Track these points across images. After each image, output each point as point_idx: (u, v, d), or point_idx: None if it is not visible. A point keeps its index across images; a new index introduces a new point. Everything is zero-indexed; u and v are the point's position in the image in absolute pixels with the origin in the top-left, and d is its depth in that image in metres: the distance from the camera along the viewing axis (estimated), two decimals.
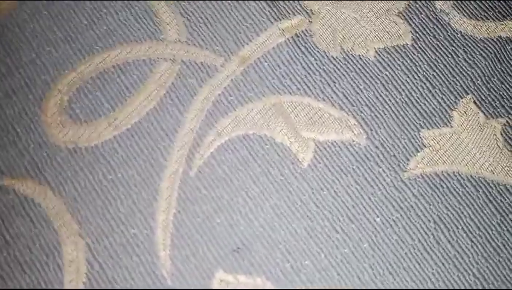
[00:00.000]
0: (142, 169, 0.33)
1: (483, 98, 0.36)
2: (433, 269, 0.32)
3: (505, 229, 0.33)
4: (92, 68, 0.35)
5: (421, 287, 0.32)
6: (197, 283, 0.31)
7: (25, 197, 0.32)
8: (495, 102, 0.36)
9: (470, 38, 0.37)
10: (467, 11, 0.38)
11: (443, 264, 0.32)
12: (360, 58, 0.36)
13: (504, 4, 0.38)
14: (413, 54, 0.36)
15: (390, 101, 0.35)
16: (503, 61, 0.37)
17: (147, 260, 0.31)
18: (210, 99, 0.34)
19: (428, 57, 0.36)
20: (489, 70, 0.36)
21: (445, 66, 0.36)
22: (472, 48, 0.37)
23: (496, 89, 0.36)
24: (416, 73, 0.36)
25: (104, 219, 0.32)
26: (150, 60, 0.35)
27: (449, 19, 0.37)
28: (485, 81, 0.36)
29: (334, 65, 0.35)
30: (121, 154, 0.33)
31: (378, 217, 0.33)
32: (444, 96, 0.36)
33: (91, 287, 0.31)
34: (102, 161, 0.33)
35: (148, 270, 0.31)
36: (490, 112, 0.36)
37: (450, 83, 0.36)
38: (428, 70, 0.36)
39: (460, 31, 0.37)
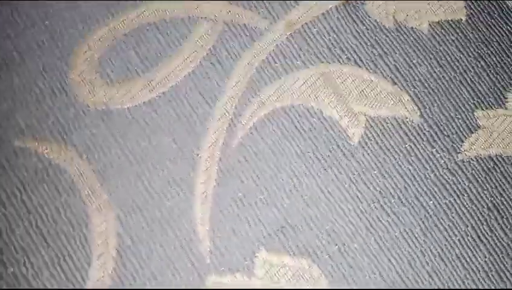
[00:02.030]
0: (180, 137, 0.29)
1: None
2: (485, 257, 0.30)
3: None
4: (126, 24, 0.31)
5: (473, 276, 0.29)
6: (237, 263, 0.28)
7: (50, 162, 0.28)
8: None
9: None
10: None
11: (496, 252, 0.30)
12: (414, 30, 0.33)
13: None
14: (468, 30, 0.33)
15: (444, 77, 0.32)
16: None
17: (184, 235, 0.28)
18: (253, 65, 0.31)
19: (482, 34, 0.33)
20: None
21: (500, 44, 0.33)
22: None
23: None
24: (470, 50, 0.33)
25: (137, 190, 0.28)
26: (189, 19, 0.31)
27: None
28: None
29: (387, 36, 0.32)
30: (156, 119, 0.30)
31: (430, 200, 0.30)
32: (498, 76, 0.33)
33: (122, 263, 0.27)
34: (136, 126, 0.29)
35: (184, 247, 0.28)
36: None
37: (504, 63, 0.33)
38: (482, 48, 0.33)
39: None
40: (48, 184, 0.28)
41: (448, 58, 0.33)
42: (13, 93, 0.29)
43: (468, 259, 0.29)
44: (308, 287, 0.28)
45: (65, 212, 0.28)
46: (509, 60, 0.33)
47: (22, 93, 0.29)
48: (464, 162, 0.31)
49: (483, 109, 0.32)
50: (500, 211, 0.30)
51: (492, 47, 0.33)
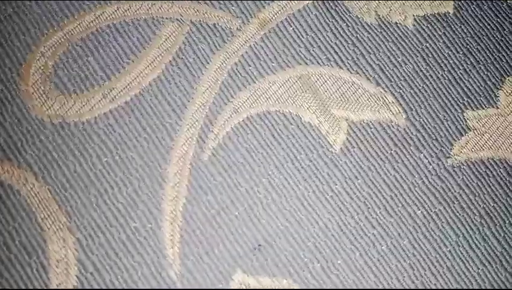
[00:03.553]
0: (145, 151, 0.28)
1: None
2: (478, 269, 0.29)
3: None
4: (83, 28, 0.29)
5: (465, 288, 0.28)
6: (212, 286, 0.26)
7: (1, 184, 0.26)
8: None
9: None
10: None
11: (489, 262, 0.29)
12: (398, 26, 0.31)
13: None
14: (456, 24, 0.32)
15: (431, 76, 0.31)
16: None
17: (152, 259, 0.26)
18: (225, 68, 0.30)
19: (471, 28, 0.32)
20: None
21: (490, 39, 0.32)
22: None
23: None
24: (459, 46, 0.32)
25: (99, 211, 0.27)
26: (152, 20, 0.30)
27: None
28: None
29: (369, 33, 0.31)
30: (118, 132, 0.28)
31: (419, 209, 0.29)
32: (489, 74, 0.32)
33: None
34: (96, 140, 0.28)
35: (153, 271, 0.26)
36: None
37: (495, 59, 0.32)
38: (471, 44, 0.32)
39: (507, 1, 0.33)
40: (0, 207, 0.26)
41: (436, 55, 0.31)
42: None
43: (460, 271, 0.28)
44: None
45: (20, 237, 0.26)
46: (500, 55, 0.32)
47: None
48: (453, 167, 0.30)
49: (473, 109, 0.31)
50: (493, 219, 0.29)
51: (482, 42, 0.32)
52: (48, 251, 0.26)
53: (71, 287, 0.26)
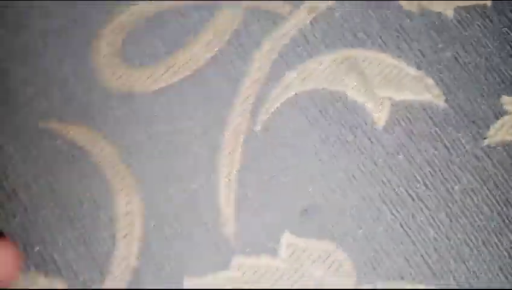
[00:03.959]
0: (203, 120, 0.31)
1: None
2: (511, 243, 0.31)
3: None
4: (148, 8, 0.32)
5: (499, 261, 0.30)
6: (262, 245, 0.29)
7: (74, 144, 0.30)
8: None
9: None
10: None
11: None
12: (439, 15, 0.34)
13: None
14: (493, 15, 0.35)
15: (469, 63, 0.33)
16: None
17: (209, 217, 0.29)
18: (276, 49, 0.32)
19: (508, 19, 0.35)
20: None
21: None
22: None
23: None
24: (496, 36, 0.34)
25: (162, 172, 0.30)
26: (211, 3, 0.33)
27: None
28: None
29: (411, 20, 0.34)
30: (179, 103, 0.31)
31: (456, 185, 0.31)
32: None
33: (147, 243, 0.28)
34: (159, 109, 0.31)
35: (209, 228, 0.29)
36: None
37: None
38: (509, 34, 0.34)
39: None
40: (72, 165, 0.29)
41: (474, 44, 0.34)
42: (37, 77, 0.31)
43: (493, 244, 0.31)
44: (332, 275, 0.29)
45: (90, 193, 0.29)
46: None
47: (45, 77, 0.31)
48: (489, 147, 0.32)
49: (509, 95, 0.33)
50: None
51: None
52: (116, 205, 0.29)
53: (135, 239, 0.28)
